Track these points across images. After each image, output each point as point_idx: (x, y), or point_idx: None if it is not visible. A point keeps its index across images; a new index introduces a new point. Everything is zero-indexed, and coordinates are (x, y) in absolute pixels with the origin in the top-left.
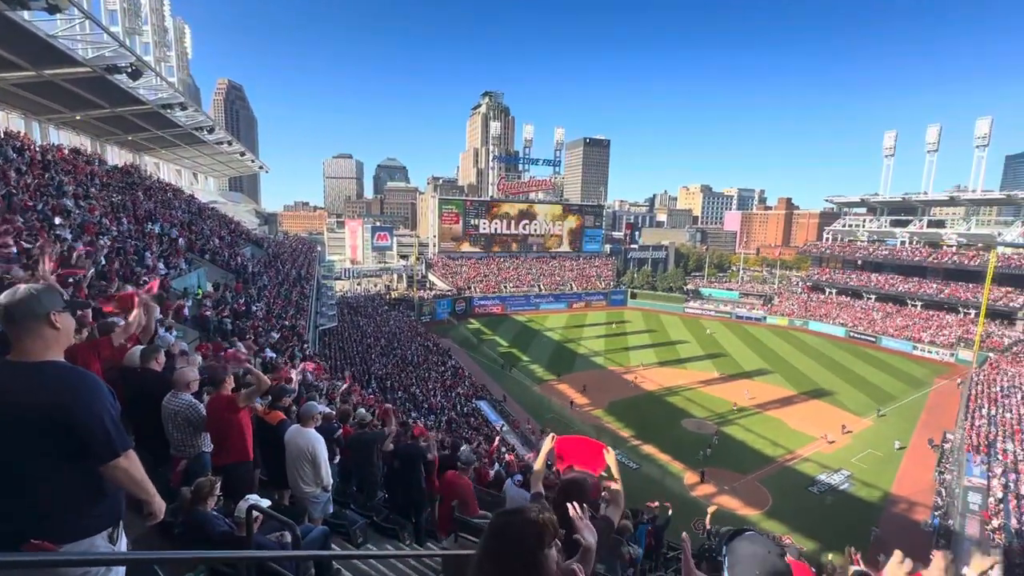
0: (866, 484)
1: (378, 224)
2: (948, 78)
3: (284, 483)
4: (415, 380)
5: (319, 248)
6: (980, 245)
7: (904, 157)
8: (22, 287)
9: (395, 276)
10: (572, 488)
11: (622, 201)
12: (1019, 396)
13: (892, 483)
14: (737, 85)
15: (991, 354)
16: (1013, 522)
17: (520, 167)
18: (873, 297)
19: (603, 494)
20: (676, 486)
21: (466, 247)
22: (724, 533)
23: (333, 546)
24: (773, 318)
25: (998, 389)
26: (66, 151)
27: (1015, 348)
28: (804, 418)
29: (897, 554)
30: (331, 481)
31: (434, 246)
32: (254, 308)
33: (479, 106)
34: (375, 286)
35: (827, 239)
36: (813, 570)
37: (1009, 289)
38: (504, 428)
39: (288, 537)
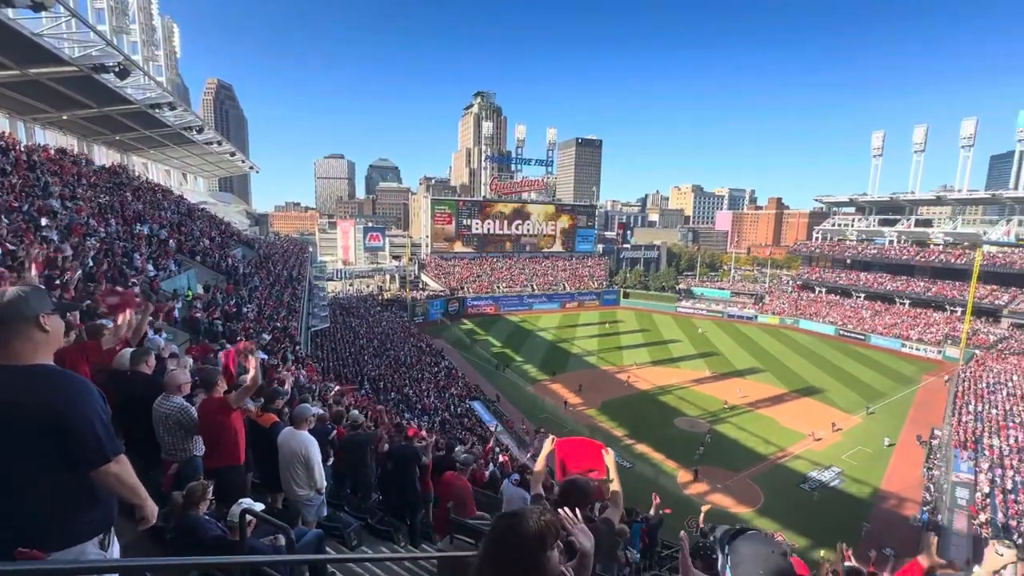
0: (856, 481)
1: (370, 225)
2: (935, 79)
3: (277, 486)
4: (408, 381)
5: (311, 249)
6: (966, 244)
7: (892, 157)
8: (10, 289)
9: (388, 277)
10: (572, 490)
11: (614, 201)
12: (1005, 392)
13: (882, 479)
14: (728, 86)
15: (977, 351)
16: (1000, 516)
17: (513, 167)
18: (862, 296)
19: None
20: (670, 485)
21: (459, 247)
22: (726, 532)
23: (328, 549)
24: (764, 317)
25: (984, 386)
26: (52, 151)
27: (1000, 345)
28: (795, 416)
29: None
30: (325, 484)
31: (427, 246)
32: (245, 310)
33: (471, 106)
34: (367, 287)
35: (817, 238)
36: (807, 567)
37: (994, 287)
38: (498, 429)
39: (282, 540)
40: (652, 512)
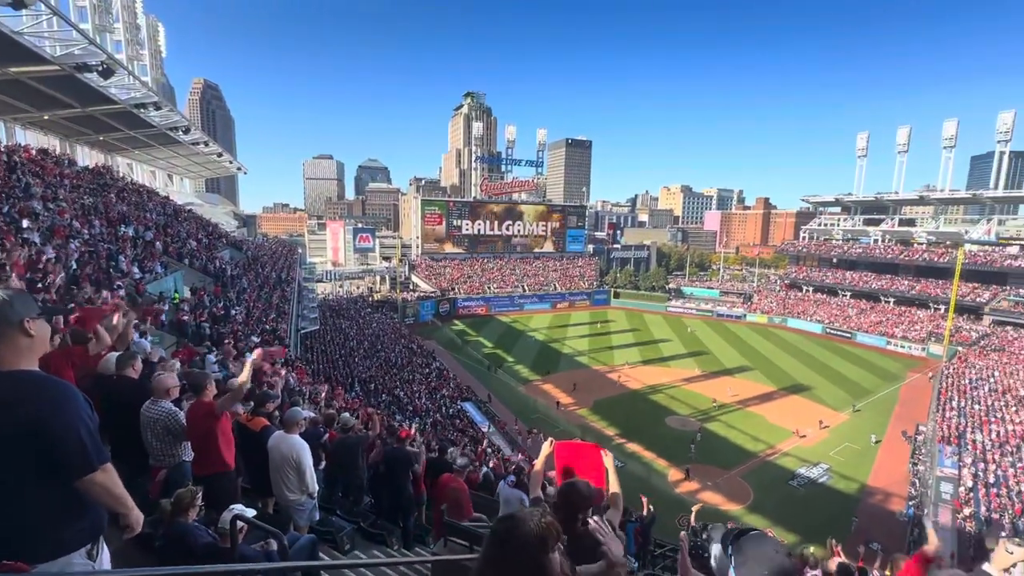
0: (844, 477)
1: (360, 226)
2: (917, 81)
3: (268, 491)
4: (399, 383)
5: (300, 250)
6: (948, 243)
7: (876, 158)
8: None
9: (378, 278)
10: (573, 492)
11: (604, 201)
12: (987, 388)
13: (869, 475)
14: (716, 87)
15: (960, 348)
16: (983, 510)
17: (503, 168)
18: (848, 294)
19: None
20: (661, 483)
21: (449, 248)
22: (729, 532)
23: (321, 555)
24: (753, 316)
25: (967, 382)
26: (33, 152)
27: (982, 342)
28: (783, 413)
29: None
30: (317, 488)
31: (417, 247)
32: (233, 312)
33: (461, 107)
34: (357, 288)
35: (804, 238)
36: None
37: (976, 285)
38: (490, 430)
39: (274, 545)
40: (644, 512)
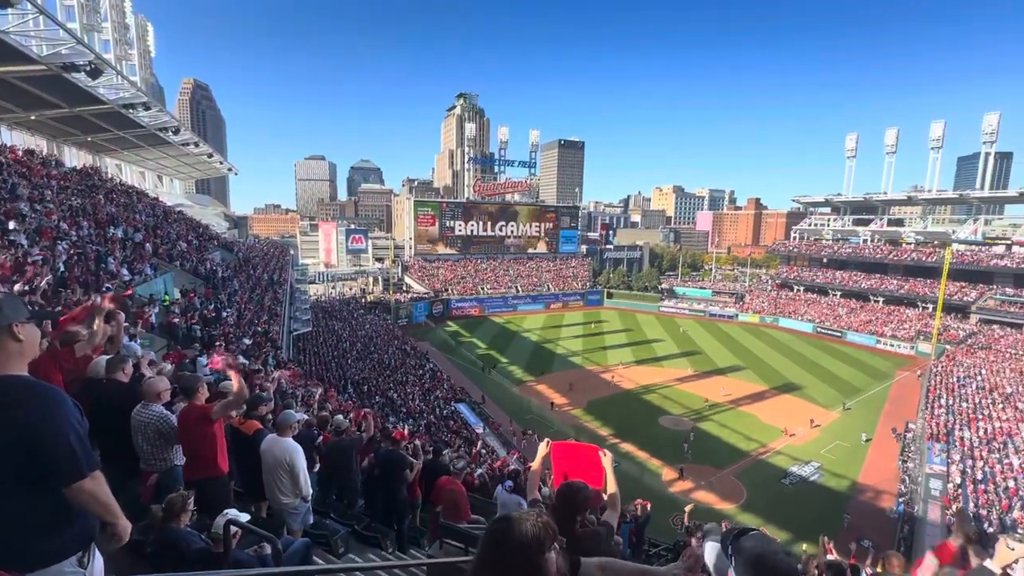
0: (835, 475)
1: (352, 227)
2: (905, 83)
3: (261, 495)
4: (393, 384)
5: (292, 252)
6: (936, 242)
7: (865, 159)
8: None
9: (370, 279)
10: (572, 494)
11: (597, 202)
12: (974, 386)
13: (859, 473)
14: (708, 88)
15: (948, 346)
16: (971, 506)
17: (496, 169)
18: (838, 293)
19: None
20: (655, 483)
21: (442, 249)
22: (729, 532)
23: (316, 559)
24: (745, 315)
25: (955, 380)
26: (20, 152)
27: (970, 340)
28: (775, 412)
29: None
30: (311, 491)
31: (410, 248)
32: (224, 314)
33: (454, 107)
34: (350, 290)
35: (794, 238)
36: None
37: (963, 284)
38: (484, 431)
39: (267, 550)
40: (639, 512)
